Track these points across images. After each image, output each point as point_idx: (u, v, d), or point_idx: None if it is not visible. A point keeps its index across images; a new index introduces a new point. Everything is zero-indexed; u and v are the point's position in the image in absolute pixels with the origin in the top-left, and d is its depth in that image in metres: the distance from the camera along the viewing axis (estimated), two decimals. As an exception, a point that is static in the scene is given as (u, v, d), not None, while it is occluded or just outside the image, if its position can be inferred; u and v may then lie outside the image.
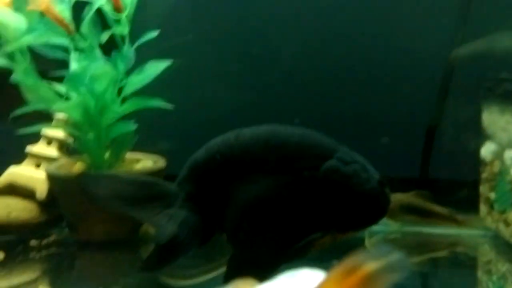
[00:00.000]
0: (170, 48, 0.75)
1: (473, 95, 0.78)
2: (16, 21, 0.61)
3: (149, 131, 0.72)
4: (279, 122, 0.89)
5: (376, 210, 0.55)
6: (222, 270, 0.61)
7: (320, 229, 0.55)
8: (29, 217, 0.70)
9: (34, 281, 0.64)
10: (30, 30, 0.61)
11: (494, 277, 0.66)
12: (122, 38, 0.68)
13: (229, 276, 0.56)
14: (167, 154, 0.77)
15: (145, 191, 0.58)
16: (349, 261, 0.28)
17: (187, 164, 0.58)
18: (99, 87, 0.65)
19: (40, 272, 0.66)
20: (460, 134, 0.87)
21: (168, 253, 0.54)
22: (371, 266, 0.27)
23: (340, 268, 0.28)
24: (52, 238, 0.70)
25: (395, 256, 0.28)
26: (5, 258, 0.66)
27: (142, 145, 0.73)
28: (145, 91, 0.71)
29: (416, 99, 0.89)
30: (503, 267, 0.66)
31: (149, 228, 0.69)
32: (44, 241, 0.69)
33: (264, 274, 0.57)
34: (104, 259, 0.67)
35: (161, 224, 0.55)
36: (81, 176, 0.61)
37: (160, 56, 0.71)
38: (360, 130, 0.89)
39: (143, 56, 0.71)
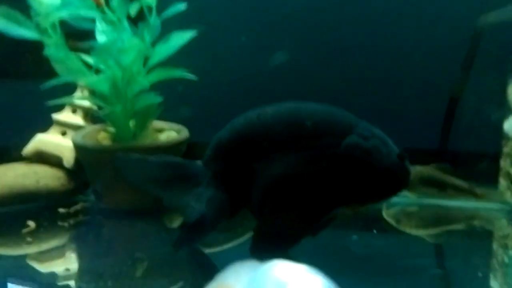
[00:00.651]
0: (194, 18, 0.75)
1: (499, 66, 0.77)
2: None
3: (173, 99, 0.74)
4: (298, 88, 0.91)
5: (396, 183, 0.57)
6: (245, 238, 0.63)
7: (342, 204, 0.57)
8: (57, 185, 0.72)
9: (63, 247, 0.67)
10: (62, 4, 0.62)
11: (510, 252, 0.67)
12: (149, 9, 0.68)
13: (255, 247, 0.59)
14: (191, 122, 0.78)
15: (173, 172, 0.61)
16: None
17: (211, 144, 0.60)
18: (127, 59, 0.66)
19: (69, 239, 0.68)
20: (483, 106, 0.87)
21: (196, 231, 0.57)
22: None
23: None
24: (79, 205, 0.73)
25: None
26: (36, 225, 0.68)
27: (166, 112, 0.74)
28: (168, 61, 0.72)
29: (440, 68, 0.88)
30: (520, 243, 0.68)
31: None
32: (72, 209, 0.72)
33: (287, 245, 0.60)
34: (130, 227, 0.70)
35: (189, 204, 0.57)
36: (112, 158, 0.64)
37: (182, 26, 0.71)
38: (381, 100, 0.89)
39: (165, 26, 0.71)
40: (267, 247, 0.58)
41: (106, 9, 0.66)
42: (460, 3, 0.86)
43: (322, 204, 0.56)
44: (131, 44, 0.65)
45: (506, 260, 0.66)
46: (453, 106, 0.87)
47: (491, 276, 0.62)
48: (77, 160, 0.73)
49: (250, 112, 0.58)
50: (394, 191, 0.58)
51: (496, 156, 0.76)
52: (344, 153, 0.55)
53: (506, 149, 0.74)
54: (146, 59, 0.70)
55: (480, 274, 0.61)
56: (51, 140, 0.74)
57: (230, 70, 0.90)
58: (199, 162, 0.62)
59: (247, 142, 0.57)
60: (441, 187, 0.77)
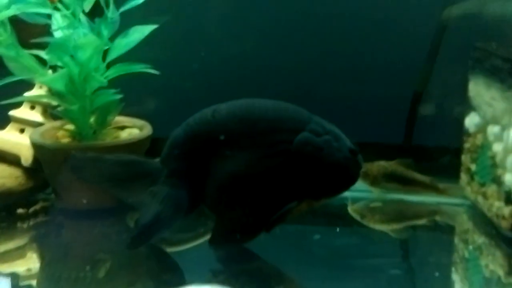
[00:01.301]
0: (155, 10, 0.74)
1: (462, 62, 0.77)
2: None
3: (135, 94, 0.72)
4: (262, 80, 0.90)
5: (347, 177, 0.59)
6: (206, 238, 0.63)
7: (295, 199, 0.58)
8: (15, 184, 0.70)
9: (22, 249, 0.65)
10: (10, 1, 0.59)
11: (470, 247, 0.68)
12: (106, 3, 0.66)
13: (214, 241, 0.60)
14: (153, 116, 0.77)
15: (130, 170, 0.61)
16: None
17: (168, 142, 0.60)
18: (83, 55, 0.64)
19: (29, 240, 0.67)
20: (446, 100, 0.88)
21: (152, 230, 0.57)
22: None
23: None
24: (38, 206, 0.71)
25: None
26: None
27: (130, 106, 0.73)
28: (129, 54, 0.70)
29: (404, 64, 0.88)
30: (479, 239, 0.69)
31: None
32: (31, 209, 0.70)
33: (243, 239, 0.61)
34: (91, 228, 0.68)
35: (145, 203, 0.57)
36: (68, 158, 0.64)
37: (143, 19, 0.70)
38: (346, 95, 0.89)
39: (124, 18, 0.69)
40: (223, 240, 0.60)
41: (59, 5, 0.64)
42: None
43: (275, 199, 0.58)
44: (87, 39, 0.64)
45: (467, 254, 0.67)
46: (416, 100, 0.88)
47: (453, 270, 0.63)
48: (36, 158, 0.71)
49: (205, 110, 0.59)
50: (346, 185, 0.60)
51: (458, 152, 0.78)
52: (296, 149, 0.57)
53: (467, 145, 0.75)
54: (105, 54, 0.68)
55: (441, 269, 0.62)
56: (8, 138, 0.72)
57: (194, 61, 0.88)
58: (156, 160, 0.62)
59: (202, 140, 0.58)
60: (404, 182, 0.78)
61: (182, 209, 0.59)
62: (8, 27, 0.63)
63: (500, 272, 0.61)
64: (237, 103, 0.59)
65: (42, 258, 0.65)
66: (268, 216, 0.58)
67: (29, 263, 0.63)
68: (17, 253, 0.64)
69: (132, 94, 0.71)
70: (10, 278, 0.59)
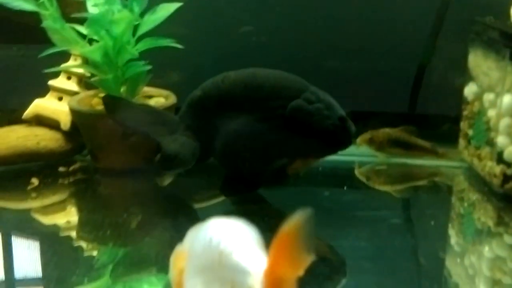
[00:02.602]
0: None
1: (464, 36, 0.82)
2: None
3: (162, 66, 0.79)
4: (283, 54, 0.95)
5: (335, 142, 0.67)
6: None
7: (288, 157, 0.66)
8: (56, 146, 0.77)
9: (64, 202, 0.73)
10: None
11: (466, 204, 0.75)
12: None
13: (224, 189, 0.70)
14: (179, 87, 0.84)
15: (154, 118, 0.70)
16: (279, 234, 0.32)
17: (186, 101, 0.70)
18: (117, 30, 0.71)
19: (69, 195, 0.75)
20: (448, 73, 0.94)
21: (170, 164, 0.66)
22: (291, 224, 0.31)
23: (276, 241, 0.32)
24: (77, 165, 0.78)
25: (305, 212, 0.32)
26: (39, 182, 0.74)
27: (156, 78, 0.80)
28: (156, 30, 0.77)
29: (409, 36, 0.93)
30: (473, 196, 0.76)
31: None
32: (71, 168, 0.77)
33: (248, 188, 0.69)
34: (124, 186, 0.76)
35: (166, 142, 0.67)
36: (105, 98, 0.72)
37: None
38: (352, 65, 0.95)
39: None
40: (230, 188, 0.69)
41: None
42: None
43: (270, 155, 0.66)
44: (121, 15, 0.70)
45: (462, 211, 0.74)
46: (421, 73, 0.94)
47: (449, 225, 0.70)
48: (73, 124, 0.78)
49: (218, 76, 0.69)
50: (334, 149, 0.68)
51: (457, 119, 0.84)
52: (290, 114, 0.65)
53: (465, 112, 0.82)
54: (135, 29, 0.75)
55: (438, 223, 0.69)
56: (49, 105, 0.79)
57: (215, 36, 0.95)
58: (176, 116, 0.71)
59: (212, 101, 0.68)
60: (407, 148, 0.84)
61: (196, 157, 0.68)
62: (54, 2, 0.70)
63: (490, 223, 0.69)
64: (244, 72, 0.68)
65: (83, 209, 0.73)
66: (265, 170, 0.67)
67: (71, 214, 0.71)
68: (60, 206, 0.72)
69: (159, 67, 0.78)
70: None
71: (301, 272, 0.31)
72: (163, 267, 0.58)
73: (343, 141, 0.67)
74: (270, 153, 0.66)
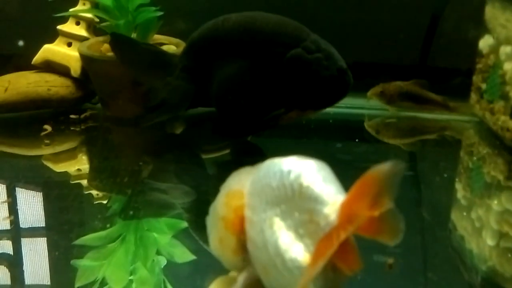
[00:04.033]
0: None
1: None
2: None
3: (174, 14, 0.78)
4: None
5: (332, 94, 0.65)
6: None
7: (284, 106, 0.66)
8: (67, 93, 0.77)
9: (76, 149, 0.73)
10: None
11: (475, 158, 0.76)
12: None
13: (214, 129, 0.69)
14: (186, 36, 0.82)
15: (155, 58, 0.70)
16: (365, 175, 0.34)
17: (187, 42, 0.69)
18: (128, -26, 0.69)
19: (81, 142, 0.75)
20: (462, 24, 0.92)
21: (157, 112, 0.67)
22: (377, 170, 0.33)
23: (360, 180, 0.34)
24: (88, 113, 0.78)
25: (396, 163, 0.33)
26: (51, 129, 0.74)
27: (167, 26, 0.78)
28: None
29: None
30: (483, 150, 0.76)
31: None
32: (82, 115, 0.77)
33: (240, 135, 0.68)
34: (135, 134, 0.76)
35: (157, 88, 0.67)
36: (112, 34, 0.72)
37: None
38: (364, 16, 0.93)
39: None
40: (222, 131, 0.69)
41: None
42: None
43: (266, 103, 0.65)
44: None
45: (471, 165, 0.75)
46: (434, 24, 0.92)
47: (457, 178, 0.71)
48: (83, 70, 0.77)
49: (219, 18, 0.67)
50: (331, 101, 0.66)
51: (469, 73, 0.83)
52: (287, 63, 0.63)
53: (479, 66, 0.81)
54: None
55: (447, 177, 0.69)
56: (58, 50, 0.78)
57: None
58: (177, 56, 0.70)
59: (211, 43, 0.66)
60: (418, 101, 0.84)
61: (188, 100, 0.68)
62: None
63: (501, 177, 0.69)
64: (244, 15, 0.66)
65: (93, 157, 0.73)
66: (259, 117, 0.66)
67: (81, 162, 0.71)
68: (71, 154, 0.72)
69: (168, 15, 0.76)
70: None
71: (375, 213, 0.33)
72: (178, 212, 0.59)
73: (340, 93, 0.65)
74: (265, 102, 0.65)
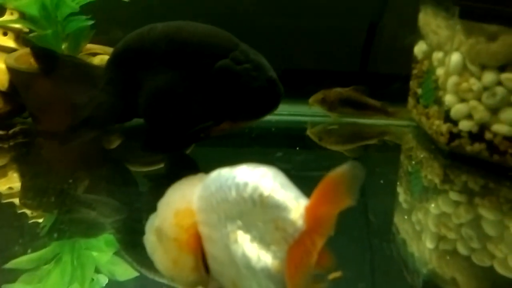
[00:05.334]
0: None
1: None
2: None
3: (107, 22, 0.75)
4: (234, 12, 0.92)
5: (261, 105, 0.64)
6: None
7: (213, 118, 0.64)
8: (-7, 107, 0.73)
9: (4, 167, 0.70)
10: None
11: (413, 162, 0.77)
12: None
13: (144, 145, 0.67)
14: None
15: (79, 71, 0.67)
16: (326, 177, 0.34)
17: (111, 52, 0.66)
18: (55, -19, 0.67)
19: (10, 159, 0.71)
20: (400, 30, 0.94)
21: (80, 130, 0.65)
22: (337, 172, 0.34)
23: (322, 183, 0.34)
24: (17, 128, 0.75)
25: (355, 164, 0.35)
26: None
27: (103, 35, 0.76)
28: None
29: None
30: (421, 154, 0.77)
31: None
32: (11, 131, 0.74)
33: (170, 150, 0.66)
34: (68, 148, 0.72)
35: (80, 104, 0.64)
36: (31, 48, 0.69)
37: None
38: (306, 26, 0.94)
39: None
40: (152, 147, 0.67)
41: None
42: None
43: (194, 116, 0.64)
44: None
45: (410, 169, 0.76)
46: (372, 31, 0.94)
47: (397, 182, 0.72)
48: (11, 83, 0.74)
49: (145, 27, 0.65)
50: (262, 111, 0.65)
51: (407, 78, 0.84)
52: (216, 74, 0.62)
53: (414, 71, 0.82)
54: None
55: (388, 181, 0.70)
56: (-17, 63, 0.74)
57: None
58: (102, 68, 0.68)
59: (136, 54, 0.64)
60: (358, 107, 0.85)
61: (114, 115, 0.65)
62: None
63: (437, 181, 0.70)
64: (171, 24, 0.64)
65: (25, 174, 0.70)
66: (188, 129, 0.64)
67: (12, 180, 0.68)
68: (4, 169, 0.69)
69: (102, 23, 0.74)
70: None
71: (337, 211, 0.34)
72: (109, 231, 0.57)
73: (271, 104, 0.65)
74: (194, 114, 0.63)
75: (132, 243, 0.54)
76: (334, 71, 0.95)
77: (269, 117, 0.84)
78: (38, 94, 0.71)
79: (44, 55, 0.68)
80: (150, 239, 0.40)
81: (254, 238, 0.36)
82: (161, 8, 0.90)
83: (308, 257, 0.33)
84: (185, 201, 0.39)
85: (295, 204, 0.35)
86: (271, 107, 0.65)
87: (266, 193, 0.35)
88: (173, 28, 0.63)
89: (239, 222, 0.36)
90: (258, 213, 0.36)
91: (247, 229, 0.36)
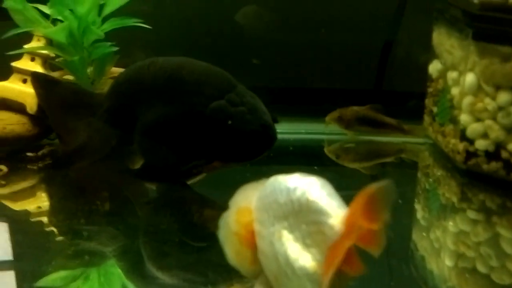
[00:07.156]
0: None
1: (429, 13, 0.84)
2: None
3: (130, 46, 0.78)
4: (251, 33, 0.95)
5: (255, 148, 0.65)
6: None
7: (204, 157, 0.66)
8: (23, 130, 0.75)
9: (33, 188, 0.72)
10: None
11: (431, 180, 0.78)
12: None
13: (140, 175, 0.69)
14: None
15: (78, 98, 0.70)
16: (362, 192, 0.38)
17: (112, 82, 0.69)
18: (82, 9, 0.69)
19: (39, 181, 0.73)
20: (413, 49, 0.95)
21: (74, 157, 0.67)
22: (375, 187, 0.37)
23: (358, 196, 0.38)
24: (45, 149, 0.76)
25: (388, 182, 0.38)
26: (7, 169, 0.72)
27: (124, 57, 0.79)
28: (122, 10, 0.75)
29: (375, 13, 0.95)
30: (438, 172, 0.78)
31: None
32: (39, 153, 0.76)
33: (162, 180, 0.68)
34: (95, 169, 0.74)
35: (76, 131, 0.67)
36: (31, 74, 0.72)
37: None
38: (319, 43, 0.96)
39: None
40: (146, 175, 0.68)
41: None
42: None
43: (186, 153, 0.65)
44: (85, -5, 0.69)
45: (427, 186, 0.77)
46: (387, 49, 0.96)
47: (415, 199, 0.73)
48: (40, 106, 0.76)
49: (146, 60, 0.67)
50: (253, 154, 0.66)
51: (422, 96, 0.86)
52: (210, 114, 0.63)
53: (430, 89, 0.84)
54: (100, 9, 0.73)
55: (405, 197, 0.71)
56: (13, 87, 0.77)
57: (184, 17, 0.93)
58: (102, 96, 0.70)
59: (135, 86, 0.66)
60: (375, 125, 0.86)
61: (109, 144, 0.67)
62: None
63: (454, 199, 0.71)
64: (171, 61, 0.65)
65: (53, 195, 0.72)
66: (179, 166, 0.66)
67: (41, 200, 0.70)
68: (30, 192, 0.71)
69: (126, 47, 0.77)
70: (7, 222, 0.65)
71: (375, 226, 0.37)
72: (139, 254, 0.58)
73: (262, 148, 0.65)
74: (187, 151, 0.64)
75: (158, 262, 0.55)
76: (349, 89, 0.96)
77: (287, 136, 0.87)
78: (64, 116, 0.74)
79: (45, 81, 0.70)
80: (221, 233, 0.45)
81: (296, 239, 0.40)
82: (179, 32, 0.92)
83: (338, 258, 0.37)
84: (247, 201, 0.44)
85: (336, 211, 0.39)
86: (262, 151, 0.65)
87: (312, 198, 0.39)
88: (172, 65, 0.65)
89: (285, 223, 0.41)
90: (303, 216, 0.40)
91: (291, 229, 0.40)
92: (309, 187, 0.40)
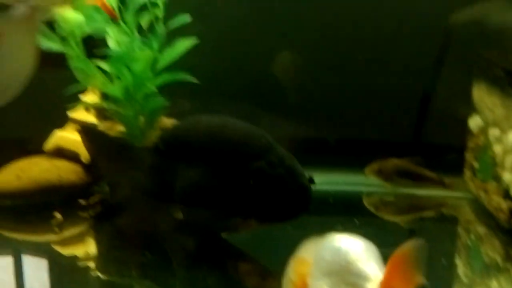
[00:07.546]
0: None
1: (467, 65, 0.85)
2: (75, 16, 0.70)
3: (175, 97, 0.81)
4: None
5: (292, 210, 0.66)
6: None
7: (241, 216, 0.67)
8: (77, 178, 0.79)
9: (83, 235, 0.75)
10: (87, 21, 0.70)
11: (473, 237, 0.78)
12: (157, 19, 0.75)
13: (181, 229, 0.71)
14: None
15: (121, 149, 0.73)
16: (394, 254, 0.40)
17: (158, 138, 0.71)
18: (138, 67, 0.73)
19: (90, 228, 0.77)
20: (453, 101, 0.96)
21: (116, 210, 0.70)
22: (408, 248, 0.40)
23: (391, 259, 0.40)
24: (96, 197, 0.80)
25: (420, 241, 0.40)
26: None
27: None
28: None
29: (414, 66, 0.96)
30: (480, 229, 0.78)
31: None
32: (91, 200, 0.79)
33: (205, 236, 0.70)
34: (142, 217, 0.78)
35: (119, 184, 0.70)
36: (82, 125, 0.76)
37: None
38: (358, 94, 0.97)
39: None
40: (188, 230, 0.71)
41: (120, 21, 0.73)
42: (430, 2, 0.93)
43: (223, 210, 0.67)
44: (143, 54, 0.73)
45: (469, 242, 0.77)
46: (425, 102, 0.97)
47: (456, 256, 0.73)
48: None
49: (196, 118, 0.70)
50: (290, 216, 0.67)
51: (462, 149, 0.86)
52: (251, 175, 0.65)
53: (470, 144, 0.84)
54: (153, 64, 0.77)
55: (446, 255, 0.71)
56: (69, 137, 0.81)
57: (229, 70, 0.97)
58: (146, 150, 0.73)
59: (180, 144, 0.69)
60: (414, 178, 0.87)
61: (149, 198, 0.70)
62: (80, 42, 0.72)
63: (498, 259, 0.71)
64: (214, 120, 0.69)
65: (101, 242, 0.74)
66: (215, 223, 0.69)
67: (89, 247, 0.73)
68: (81, 238, 0.74)
69: (173, 97, 0.80)
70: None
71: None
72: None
73: (299, 210, 0.66)
74: (224, 209, 0.66)
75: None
76: (388, 141, 0.97)
77: (326, 187, 0.88)
78: (114, 165, 0.77)
79: (94, 134, 0.74)
80: (283, 279, 0.48)
81: None
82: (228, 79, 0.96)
83: None
84: (307, 252, 0.46)
85: (375, 275, 0.41)
86: (298, 213, 0.67)
87: (352, 260, 0.42)
88: (215, 125, 0.68)
89: (328, 280, 0.43)
90: (343, 276, 0.42)
91: (334, 286, 0.43)
92: (352, 249, 0.43)
